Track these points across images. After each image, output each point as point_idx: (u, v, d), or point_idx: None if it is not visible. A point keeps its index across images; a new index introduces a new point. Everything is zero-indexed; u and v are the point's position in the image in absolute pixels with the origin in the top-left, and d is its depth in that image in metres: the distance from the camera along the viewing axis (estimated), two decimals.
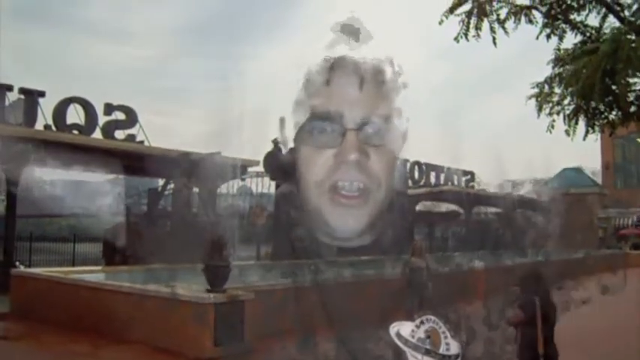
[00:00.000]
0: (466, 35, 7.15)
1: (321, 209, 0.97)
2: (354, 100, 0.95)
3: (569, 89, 6.89)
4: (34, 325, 8.77)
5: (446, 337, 0.93)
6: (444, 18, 7.18)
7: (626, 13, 6.86)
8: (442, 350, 0.92)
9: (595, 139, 7.98)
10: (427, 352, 0.92)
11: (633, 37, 6.26)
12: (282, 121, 1.05)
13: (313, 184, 0.97)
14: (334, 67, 0.97)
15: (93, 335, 7.96)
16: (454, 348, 0.93)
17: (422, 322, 0.93)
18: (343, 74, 0.96)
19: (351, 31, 1.00)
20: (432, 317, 0.94)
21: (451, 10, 7.17)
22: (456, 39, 7.23)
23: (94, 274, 10.66)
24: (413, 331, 0.92)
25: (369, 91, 0.96)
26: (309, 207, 1.00)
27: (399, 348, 0.92)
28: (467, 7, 7.19)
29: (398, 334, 0.92)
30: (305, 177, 0.98)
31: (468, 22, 7.14)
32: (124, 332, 7.66)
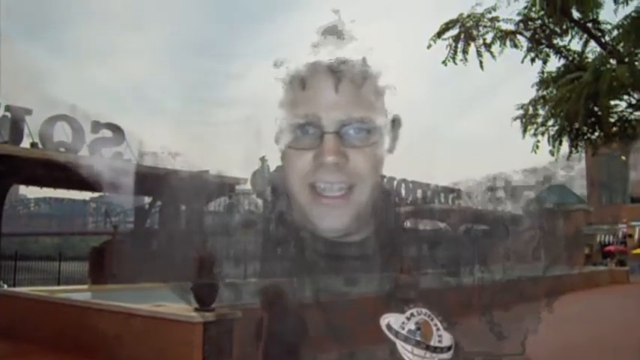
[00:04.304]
0: (454, 59, 7.31)
1: (305, 210, 0.98)
2: (330, 103, 0.95)
3: (555, 113, 7.05)
4: (18, 346, 8.62)
5: (438, 330, 0.92)
6: (432, 42, 7.33)
7: (607, 38, 7.05)
8: (434, 342, 0.91)
9: (579, 158, 8.13)
10: (417, 344, 0.91)
11: (614, 64, 6.43)
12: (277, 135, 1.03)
13: (295, 186, 0.98)
14: (310, 71, 0.96)
15: (79, 355, 7.85)
16: (446, 340, 0.92)
17: (412, 315, 0.93)
18: (318, 78, 0.96)
19: (334, 33, 1.00)
20: (424, 310, 0.94)
21: (439, 34, 7.33)
22: (444, 62, 7.39)
23: (79, 293, 10.54)
24: (403, 322, 0.92)
25: (347, 93, 0.95)
26: (296, 209, 1.00)
27: (390, 341, 0.91)
28: (454, 31, 7.36)
29: (388, 326, 0.92)
30: (289, 179, 0.99)
31: (456, 46, 7.30)
32: (110, 352, 7.56)
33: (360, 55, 0.98)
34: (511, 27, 7.40)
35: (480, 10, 7.36)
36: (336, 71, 0.95)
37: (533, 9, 7.27)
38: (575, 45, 7.45)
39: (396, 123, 1.05)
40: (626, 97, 7.13)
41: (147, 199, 19.34)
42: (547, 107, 7.43)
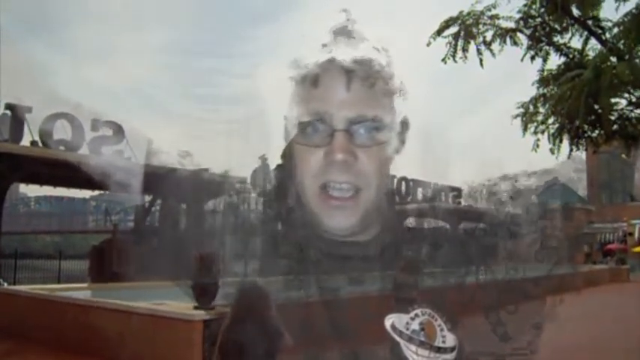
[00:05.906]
0: (453, 56, 7.31)
1: (313, 209, 0.98)
2: (341, 101, 0.95)
3: (555, 111, 7.05)
4: (18, 344, 8.64)
5: (442, 330, 0.93)
6: (431, 40, 7.33)
7: (607, 35, 7.05)
8: (438, 343, 0.92)
9: (580, 157, 8.15)
10: (421, 344, 0.91)
11: (614, 62, 6.43)
12: (286, 118, 1.03)
13: (305, 183, 0.98)
14: (322, 68, 0.97)
15: (79, 353, 7.87)
16: (450, 341, 0.93)
17: (416, 315, 0.93)
18: (331, 75, 0.96)
19: (345, 33, 1.00)
20: (428, 310, 0.94)
21: (438, 32, 7.33)
22: (444, 60, 7.38)
23: (80, 292, 10.56)
24: (407, 323, 0.92)
25: (358, 91, 0.95)
26: (304, 207, 0.99)
27: (394, 340, 0.91)
28: (454, 29, 7.36)
29: (392, 326, 0.92)
30: (298, 177, 0.99)
31: (455, 44, 7.30)
32: (110, 350, 7.57)
33: (372, 54, 0.99)
34: (511, 25, 7.39)
35: (479, 7, 7.36)
36: (348, 70, 0.96)
37: (534, 7, 7.26)
38: (576, 43, 7.46)
39: (404, 124, 1.05)
40: (626, 94, 7.13)
41: (147, 198, 19.37)
42: (547, 105, 7.43)
